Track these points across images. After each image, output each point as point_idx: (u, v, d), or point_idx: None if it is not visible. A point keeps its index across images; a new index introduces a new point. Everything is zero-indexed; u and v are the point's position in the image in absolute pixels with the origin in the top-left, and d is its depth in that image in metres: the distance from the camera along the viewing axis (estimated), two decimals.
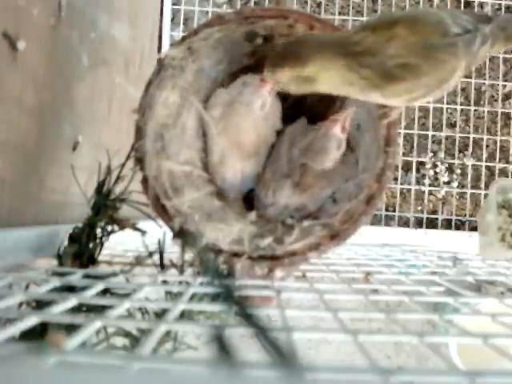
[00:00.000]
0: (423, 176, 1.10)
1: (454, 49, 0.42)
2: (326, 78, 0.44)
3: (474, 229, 1.05)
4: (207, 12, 1.10)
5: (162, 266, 0.45)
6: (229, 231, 0.50)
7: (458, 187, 1.10)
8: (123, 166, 0.48)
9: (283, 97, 0.58)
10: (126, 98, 0.76)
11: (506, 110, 1.11)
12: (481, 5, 1.11)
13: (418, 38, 0.42)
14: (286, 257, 0.49)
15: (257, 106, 0.54)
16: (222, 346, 0.18)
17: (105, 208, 0.46)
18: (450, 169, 1.11)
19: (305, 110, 0.59)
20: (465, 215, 1.09)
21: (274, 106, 0.57)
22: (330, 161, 0.55)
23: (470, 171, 1.09)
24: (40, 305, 0.33)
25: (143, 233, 0.47)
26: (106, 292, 0.36)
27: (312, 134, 0.55)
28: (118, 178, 0.48)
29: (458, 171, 1.11)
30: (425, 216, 1.08)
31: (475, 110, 1.11)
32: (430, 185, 1.10)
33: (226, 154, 0.56)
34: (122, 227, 0.47)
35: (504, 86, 1.11)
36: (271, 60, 0.45)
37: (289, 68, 0.44)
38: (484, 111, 1.11)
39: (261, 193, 0.57)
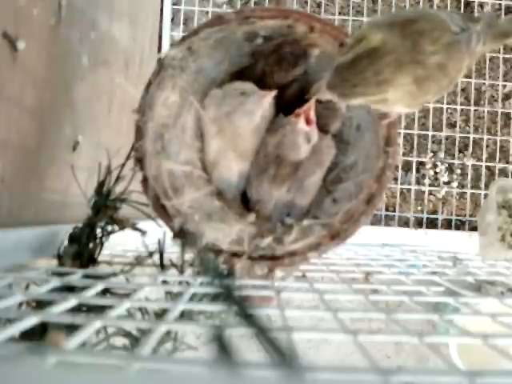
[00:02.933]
0: (423, 176, 1.10)
1: (459, 46, 0.42)
2: (396, 96, 0.41)
3: (474, 229, 1.05)
4: (207, 12, 1.10)
5: (162, 266, 0.45)
6: (229, 231, 0.50)
7: (458, 187, 1.10)
8: (123, 166, 0.48)
9: None
10: (126, 98, 0.76)
11: (506, 110, 1.11)
12: (481, 5, 1.11)
13: (440, 33, 0.41)
14: (285, 257, 0.49)
15: (258, 116, 0.54)
16: (222, 346, 0.18)
17: (105, 208, 0.46)
18: (450, 169, 1.11)
19: (283, 106, 0.59)
20: (465, 215, 1.09)
21: (270, 108, 0.57)
22: (303, 153, 0.55)
23: (470, 171, 1.09)
24: (40, 305, 0.33)
25: (143, 233, 0.47)
26: (105, 292, 0.36)
27: (281, 131, 0.56)
28: (118, 177, 0.48)
29: (458, 171, 1.11)
30: (425, 216, 1.08)
31: (475, 110, 1.11)
32: (430, 185, 1.10)
33: (222, 153, 0.56)
34: (122, 227, 0.47)
35: (504, 86, 1.11)
36: (341, 87, 0.41)
37: (369, 96, 0.40)
38: (484, 111, 1.11)
39: (248, 191, 0.58)
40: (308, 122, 0.54)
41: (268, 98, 0.54)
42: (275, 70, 0.57)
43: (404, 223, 1.08)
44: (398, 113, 0.50)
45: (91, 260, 0.44)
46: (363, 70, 0.40)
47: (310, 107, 0.54)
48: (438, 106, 1.09)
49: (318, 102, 0.56)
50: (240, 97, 0.54)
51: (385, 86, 0.40)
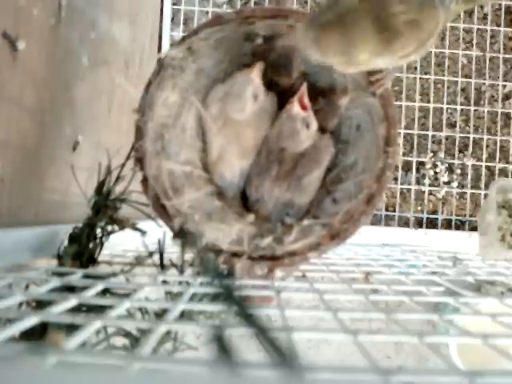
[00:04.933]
0: (423, 176, 1.10)
1: (433, 3, 0.46)
2: (366, 58, 0.44)
3: (474, 229, 1.05)
4: (207, 12, 1.10)
5: (162, 266, 0.45)
6: (229, 231, 0.50)
7: (458, 187, 1.10)
8: (123, 166, 0.48)
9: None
10: (126, 98, 0.76)
11: (506, 110, 1.11)
12: (481, 5, 1.11)
13: None
14: (285, 257, 0.49)
15: (249, 95, 0.54)
16: (222, 346, 0.18)
17: (105, 208, 0.46)
18: (450, 169, 1.11)
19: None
20: (465, 215, 1.08)
21: (271, 104, 0.57)
22: (305, 140, 0.55)
23: (470, 171, 1.09)
24: (40, 305, 0.33)
25: (143, 233, 0.47)
26: (105, 292, 0.36)
27: (278, 122, 0.56)
28: (118, 177, 0.48)
29: (458, 171, 1.10)
30: (425, 216, 1.08)
31: (475, 110, 1.11)
32: (430, 185, 1.10)
33: (224, 151, 0.56)
34: (121, 227, 0.47)
35: (504, 86, 1.11)
36: (320, 42, 0.44)
37: (343, 57, 0.44)
38: (484, 111, 1.11)
39: (247, 190, 0.58)
40: (303, 107, 0.54)
41: (255, 72, 0.53)
42: (272, 77, 0.57)
43: (404, 223, 1.08)
44: (388, 74, 0.52)
45: (91, 260, 0.44)
46: (339, 28, 0.43)
47: (303, 93, 0.54)
48: (438, 106, 1.09)
49: (322, 96, 0.56)
50: (231, 79, 0.54)
51: (357, 51, 0.43)
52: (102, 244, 0.46)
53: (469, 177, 1.09)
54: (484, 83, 1.11)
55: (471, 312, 0.34)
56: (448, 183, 1.11)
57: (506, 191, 0.89)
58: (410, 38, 0.45)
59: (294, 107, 0.54)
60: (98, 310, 0.32)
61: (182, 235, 0.48)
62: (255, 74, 0.53)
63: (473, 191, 1.08)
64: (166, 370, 0.20)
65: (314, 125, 0.56)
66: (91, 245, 0.45)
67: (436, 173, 1.11)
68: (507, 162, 1.10)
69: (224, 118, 0.55)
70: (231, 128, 0.55)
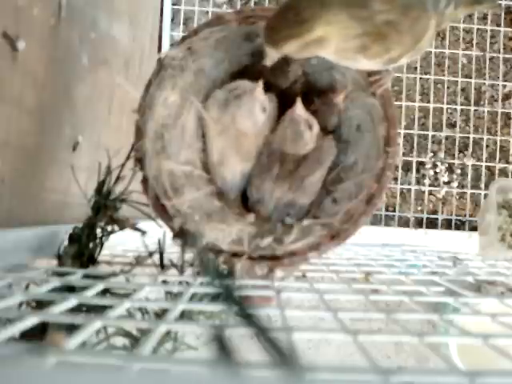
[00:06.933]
0: (423, 176, 1.10)
1: (424, 6, 0.44)
2: (333, 33, 0.41)
3: (474, 229, 1.05)
4: (207, 12, 1.10)
5: (162, 266, 0.45)
6: (229, 231, 0.50)
7: (458, 187, 1.10)
8: (123, 166, 0.48)
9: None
10: (126, 98, 0.76)
11: (506, 110, 1.11)
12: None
13: None
14: (285, 257, 0.49)
15: (258, 111, 0.54)
16: (222, 346, 0.18)
17: (105, 208, 0.46)
18: (450, 169, 1.11)
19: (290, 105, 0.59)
20: (465, 215, 1.08)
21: (272, 106, 0.57)
22: (308, 143, 0.56)
23: (470, 171, 1.09)
24: (40, 305, 0.33)
25: (143, 233, 0.47)
26: (105, 292, 0.36)
27: (281, 126, 0.56)
28: (118, 177, 0.48)
29: (458, 171, 1.10)
30: (425, 216, 1.08)
31: (475, 110, 1.11)
32: (430, 185, 1.10)
33: (225, 154, 0.56)
34: (121, 227, 0.47)
35: (504, 86, 1.11)
36: (270, 35, 0.42)
37: (295, 38, 0.41)
38: (484, 111, 1.11)
39: (248, 191, 0.58)
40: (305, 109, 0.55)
41: (258, 88, 0.53)
42: (270, 79, 0.57)
43: (404, 223, 1.08)
44: (388, 74, 0.51)
45: (91, 260, 0.44)
46: (285, 14, 0.41)
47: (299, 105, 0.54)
48: (438, 106, 1.09)
49: (317, 97, 0.56)
50: (236, 100, 0.54)
51: (309, 24, 0.40)
52: (102, 244, 0.46)
53: (469, 177, 1.09)
54: (484, 83, 1.11)
55: (471, 312, 0.34)
56: (448, 183, 1.11)
57: (506, 191, 0.89)
58: (392, 41, 0.43)
59: (297, 109, 0.54)
60: (98, 309, 0.31)
61: (182, 235, 0.48)
62: (259, 93, 0.54)
63: (473, 191, 1.08)
64: (165, 370, 0.20)
65: (316, 127, 0.56)
66: (91, 245, 0.45)
67: (436, 173, 1.11)
68: (507, 162, 1.10)
69: (225, 122, 0.55)
70: (232, 132, 0.55)
